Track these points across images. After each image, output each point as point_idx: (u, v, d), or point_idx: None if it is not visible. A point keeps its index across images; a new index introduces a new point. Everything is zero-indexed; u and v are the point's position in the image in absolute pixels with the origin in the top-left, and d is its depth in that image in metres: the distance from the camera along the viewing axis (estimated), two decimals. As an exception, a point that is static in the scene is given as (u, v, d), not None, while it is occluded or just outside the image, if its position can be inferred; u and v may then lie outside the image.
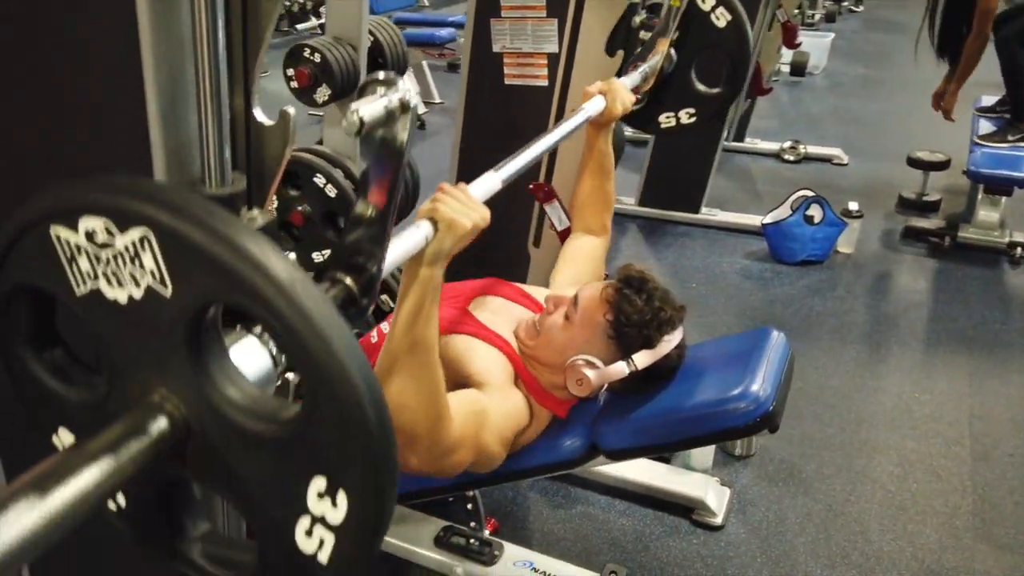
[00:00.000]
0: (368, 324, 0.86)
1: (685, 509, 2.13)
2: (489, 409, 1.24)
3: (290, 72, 2.12)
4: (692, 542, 2.05)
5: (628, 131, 4.58)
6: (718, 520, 2.10)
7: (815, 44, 7.14)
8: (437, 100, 5.98)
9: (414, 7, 8.46)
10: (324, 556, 0.57)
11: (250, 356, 0.68)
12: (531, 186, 1.96)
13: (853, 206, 3.64)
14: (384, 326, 1.47)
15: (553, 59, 1.96)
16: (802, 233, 3.53)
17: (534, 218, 2.08)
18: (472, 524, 1.77)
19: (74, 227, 0.54)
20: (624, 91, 1.65)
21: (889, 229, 3.93)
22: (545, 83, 1.99)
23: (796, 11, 5.17)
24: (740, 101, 4.12)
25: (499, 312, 1.52)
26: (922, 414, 2.52)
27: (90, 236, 0.54)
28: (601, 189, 1.70)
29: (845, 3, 9.61)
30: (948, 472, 2.26)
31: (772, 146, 5.01)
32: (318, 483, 0.56)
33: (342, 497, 0.55)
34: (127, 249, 0.53)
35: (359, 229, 0.85)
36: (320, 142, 2.24)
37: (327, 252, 2.16)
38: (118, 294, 0.56)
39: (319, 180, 2.10)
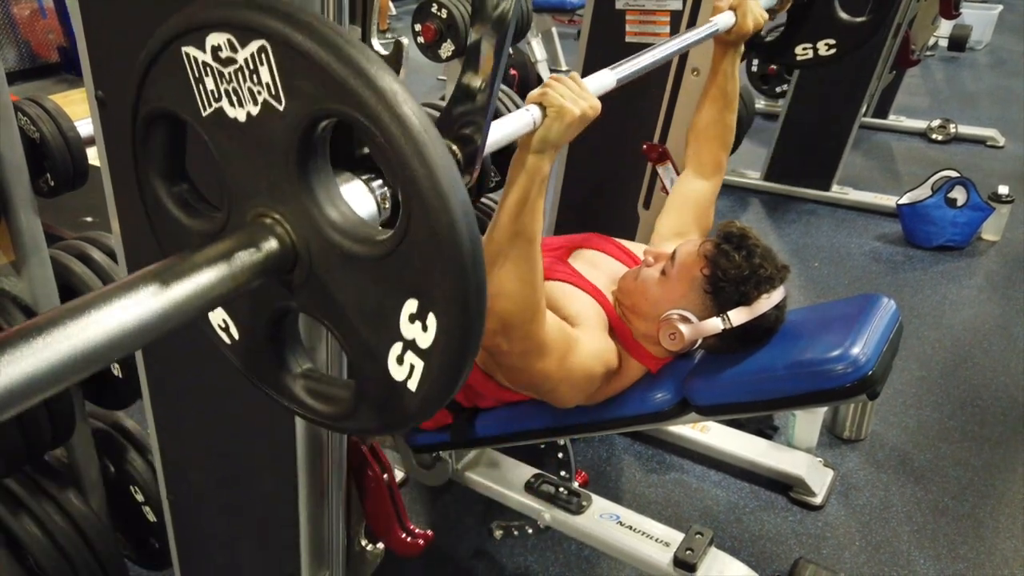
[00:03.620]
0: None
1: (783, 486, 2.09)
2: (581, 340, 1.27)
3: (417, 28, 2.20)
4: (787, 519, 2.00)
5: (760, 103, 4.42)
6: (817, 500, 2.03)
7: (979, 16, 6.57)
8: (564, 67, 5.96)
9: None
10: (413, 383, 0.61)
11: (357, 199, 0.69)
12: (644, 146, 1.95)
13: (1003, 190, 3.36)
14: None
15: (676, 16, 1.92)
16: (942, 216, 3.30)
17: (646, 179, 2.06)
18: (562, 474, 1.80)
19: (202, 45, 0.59)
20: (757, 6, 1.54)
21: (1045, 218, 3.61)
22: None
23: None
24: (883, 73, 3.85)
25: (597, 265, 1.53)
26: (1061, 414, 2.34)
27: (216, 52, 0.59)
28: (721, 121, 1.60)
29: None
30: (1084, 477, 2.10)
31: (919, 124, 4.68)
32: (410, 306, 0.58)
33: (431, 320, 0.58)
34: (247, 63, 0.57)
35: (467, 102, 0.85)
36: (443, 98, 2.31)
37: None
38: (238, 112, 0.60)
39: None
